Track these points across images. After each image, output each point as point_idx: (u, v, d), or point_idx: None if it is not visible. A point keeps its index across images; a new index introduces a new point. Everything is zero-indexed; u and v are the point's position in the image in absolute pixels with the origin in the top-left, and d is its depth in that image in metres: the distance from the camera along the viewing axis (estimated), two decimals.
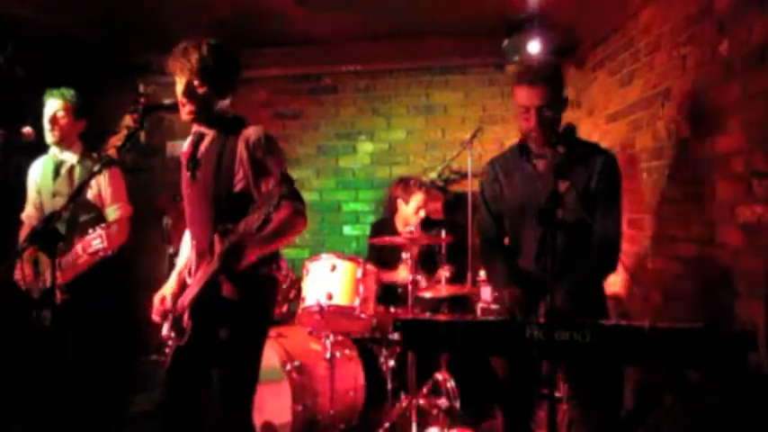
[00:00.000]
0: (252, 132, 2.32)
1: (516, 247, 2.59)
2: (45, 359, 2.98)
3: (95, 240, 2.72)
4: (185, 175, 2.45)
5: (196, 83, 2.31)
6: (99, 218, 3.16)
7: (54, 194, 3.15)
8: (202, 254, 2.35)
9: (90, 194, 3.16)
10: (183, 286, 2.46)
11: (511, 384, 2.54)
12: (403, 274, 3.93)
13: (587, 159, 2.46)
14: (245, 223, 2.10)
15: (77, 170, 3.16)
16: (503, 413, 2.68)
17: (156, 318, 2.47)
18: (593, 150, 2.53)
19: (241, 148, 2.30)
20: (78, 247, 2.87)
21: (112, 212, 3.20)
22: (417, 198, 4.07)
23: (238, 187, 2.30)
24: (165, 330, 2.48)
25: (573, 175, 2.39)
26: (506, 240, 2.68)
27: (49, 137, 3.14)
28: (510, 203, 2.57)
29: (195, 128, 2.45)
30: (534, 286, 2.35)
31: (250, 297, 2.35)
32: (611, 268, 2.51)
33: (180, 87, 2.33)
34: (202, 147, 2.41)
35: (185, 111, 2.35)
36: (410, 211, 4.08)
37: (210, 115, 2.38)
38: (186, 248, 2.58)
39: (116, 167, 3.18)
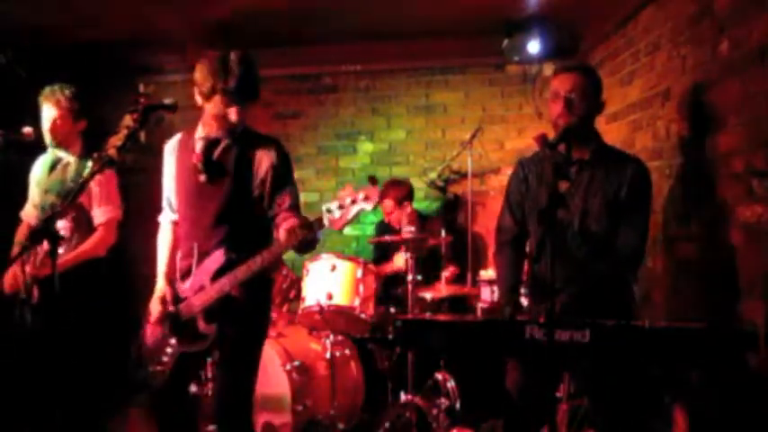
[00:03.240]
0: (274, 147, 2.40)
1: (539, 252, 2.50)
2: (33, 359, 2.96)
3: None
4: (196, 178, 2.41)
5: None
6: (85, 218, 3.10)
7: (46, 191, 3.13)
8: (205, 254, 2.37)
9: None
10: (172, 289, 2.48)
11: (525, 396, 2.44)
12: (399, 261, 3.96)
13: (618, 168, 2.37)
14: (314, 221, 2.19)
15: (72, 168, 3.13)
16: (507, 424, 2.63)
17: (156, 318, 2.45)
18: (624, 159, 2.45)
19: (262, 160, 2.37)
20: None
21: (99, 215, 3.10)
22: (386, 204, 4.18)
23: (252, 197, 2.38)
24: (151, 339, 2.46)
25: (602, 183, 2.34)
26: (528, 245, 2.60)
27: (50, 141, 3.13)
28: (537, 207, 2.48)
29: (205, 133, 2.43)
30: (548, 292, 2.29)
31: (253, 297, 2.40)
32: (627, 282, 2.41)
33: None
34: (216, 152, 2.41)
35: (236, 111, 2.34)
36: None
37: (227, 123, 2.38)
38: (164, 251, 2.58)
39: (111, 170, 3.13)
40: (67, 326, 2.94)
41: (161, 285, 2.50)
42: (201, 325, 2.35)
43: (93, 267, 3.08)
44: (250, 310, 2.41)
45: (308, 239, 2.19)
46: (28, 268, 2.90)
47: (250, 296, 2.38)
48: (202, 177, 2.40)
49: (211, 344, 2.37)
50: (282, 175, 2.39)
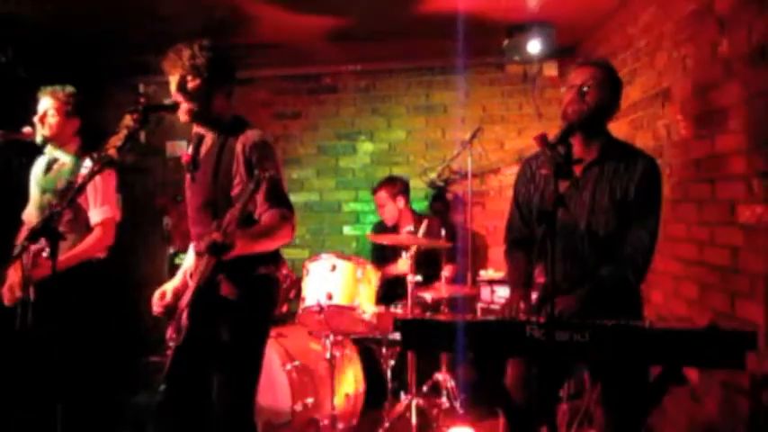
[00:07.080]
0: (249, 136, 2.34)
1: (542, 253, 2.43)
2: (32, 359, 2.96)
3: (43, 252, 2.68)
4: (186, 177, 2.47)
5: (188, 78, 2.33)
6: (81, 218, 3.08)
7: (43, 191, 3.12)
8: (201, 255, 2.36)
9: None
10: (186, 286, 2.46)
11: (523, 393, 2.38)
12: (402, 266, 3.95)
13: (627, 165, 2.29)
14: (229, 214, 2.10)
15: (67, 167, 3.12)
16: (507, 423, 2.62)
17: (157, 311, 2.45)
18: (632, 154, 2.35)
19: (239, 151, 2.32)
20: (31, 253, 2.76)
21: (96, 215, 3.08)
22: (380, 196, 4.24)
23: (236, 190, 2.31)
24: (169, 332, 2.47)
25: (611, 181, 2.29)
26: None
27: (38, 135, 3.12)
28: (542, 208, 2.40)
29: (195, 129, 2.47)
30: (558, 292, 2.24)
31: (249, 297, 2.36)
32: (635, 283, 2.33)
33: (173, 84, 2.35)
34: (203, 149, 2.44)
35: (183, 110, 2.36)
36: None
37: (210, 116, 2.39)
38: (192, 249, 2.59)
39: (111, 170, 3.13)
40: (64, 326, 2.94)
41: (175, 278, 2.53)
42: (183, 320, 2.34)
43: (89, 267, 3.07)
44: (244, 312, 2.34)
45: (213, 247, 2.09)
46: (24, 271, 2.89)
47: (243, 297, 2.33)
48: (188, 176, 2.45)
49: (208, 348, 2.34)
50: (256, 165, 2.27)
